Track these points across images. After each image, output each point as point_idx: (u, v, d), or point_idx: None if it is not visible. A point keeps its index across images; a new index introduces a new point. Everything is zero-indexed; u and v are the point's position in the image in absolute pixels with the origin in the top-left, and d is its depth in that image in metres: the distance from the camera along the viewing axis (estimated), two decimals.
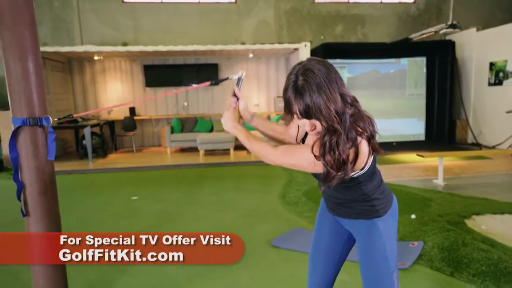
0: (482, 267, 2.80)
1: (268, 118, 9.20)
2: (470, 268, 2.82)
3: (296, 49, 8.36)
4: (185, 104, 9.71)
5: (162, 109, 9.72)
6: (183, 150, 9.14)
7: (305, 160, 1.33)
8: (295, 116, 1.30)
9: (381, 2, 9.29)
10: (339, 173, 1.29)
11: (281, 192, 5.24)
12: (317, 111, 1.22)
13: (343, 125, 1.25)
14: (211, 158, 8.00)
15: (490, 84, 8.15)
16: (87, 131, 7.60)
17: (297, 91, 1.24)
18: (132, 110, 9.36)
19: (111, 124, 9.09)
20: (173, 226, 4.10)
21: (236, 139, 8.38)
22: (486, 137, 8.30)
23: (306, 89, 1.22)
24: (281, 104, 9.38)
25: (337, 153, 1.27)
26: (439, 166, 5.42)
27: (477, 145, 8.30)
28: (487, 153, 6.94)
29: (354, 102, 1.31)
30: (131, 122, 9.05)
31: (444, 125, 8.60)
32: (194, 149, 8.86)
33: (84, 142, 7.86)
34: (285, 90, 1.29)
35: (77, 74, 9.28)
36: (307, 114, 1.25)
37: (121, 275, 2.94)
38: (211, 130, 9.04)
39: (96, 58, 8.83)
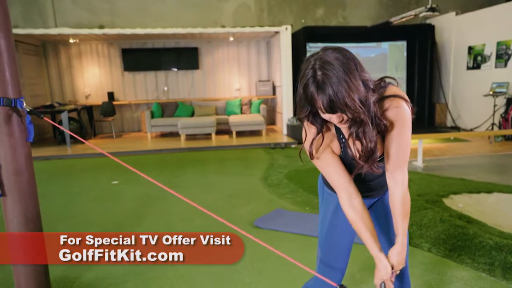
0: (458, 242, 2.87)
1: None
2: (447, 244, 2.88)
3: (277, 33, 8.30)
4: (165, 88, 9.57)
5: (141, 94, 9.55)
6: (164, 135, 9.04)
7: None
8: (319, 111, 1.24)
9: None
10: (367, 162, 1.31)
11: (263, 174, 5.25)
12: (341, 104, 1.17)
13: (369, 114, 1.23)
14: (193, 142, 7.93)
15: (468, 68, 8.28)
16: (64, 117, 7.43)
17: (318, 87, 1.17)
18: (111, 95, 9.17)
19: (89, 109, 8.89)
20: (155, 208, 4.07)
21: (218, 123, 8.34)
22: (464, 121, 8.47)
23: (327, 82, 1.16)
24: (263, 88, 9.39)
25: (364, 142, 1.26)
26: (418, 148, 5.51)
27: (456, 129, 8.46)
28: (465, 135, 7.08)
29: (380, 86, 1.29)
30: (109, 107, 8.87)
31: (424, 108, 8.73)
32: (175, 134, 8.77)
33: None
34: (305, 86, 1.20)
35: (52, 58, 9.01)
36: (332, 108, 1.19)
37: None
38: (192, 114, 8.95)
39: (71, 41, 8.58)
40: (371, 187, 1.54)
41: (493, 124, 7.29)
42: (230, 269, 2.72)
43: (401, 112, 1.31)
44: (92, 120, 8.98)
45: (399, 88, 1.33)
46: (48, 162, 6.66)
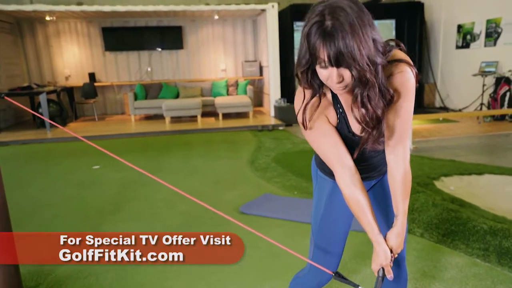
0: (452, 227, 2.79)
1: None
2: (440, 229, 2.79)
3: (263, 11, 8.03)
4: (149, 69, 9.26)
5: (124, 75, 9.23)
6: (148, 117, 8.79)
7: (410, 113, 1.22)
8: (317, 66, 1.07)
9: None
10: (374, 132, 1.16)
11: (250, 158, 5.10)
12: (349, 57, 1.00)
13: (376, 76, 1.07)
14: (178, 125, 7.72)
15: (457, 47, 8.16)
16: (42, 98, 7.12)
17: (326, 34, 1.00)
18: (92, 76, 8.83)
19: (69, 91, 8.56)
20: (137, 194, 3.91)
21: (203, 105, 8.14)
22: (453, 101, 8.40)
23: (338, 30, 0.99)
24: (249, 68, 9.16)
25: (369, 108, 1.10)
26: None
27: (445, 109, 8.40)
28: (454, 115, 7.02)
29: (386, 51, 1.13)
30: (91, 88, 8.56)
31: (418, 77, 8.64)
32: (159, 116, 8.53)
33: (40, 110, 7.37)
34: (310, 32, 1.03)
35: (28, 37, 8.59)
36: (337, 61, 1.02)
37: None
38: (177, 96, 8.70)
39: (48, 18, 8.16)
40: (370, 167, 1.39)
41: (482, 104, 7.23)
42: None
43: (405, 79, 1.16)
44: (72, 102, 8.67)
45: (408, 57, 1.18)
46: (26, 146, 6.40)
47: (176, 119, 8.26)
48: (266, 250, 2.66)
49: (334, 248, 1.52)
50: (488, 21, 7.37)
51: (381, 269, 1.29)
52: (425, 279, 2.26)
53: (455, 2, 8.14)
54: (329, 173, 1.41)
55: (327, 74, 1.07)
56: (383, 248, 1.26)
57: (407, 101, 1.18)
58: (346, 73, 1.05)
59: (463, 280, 2.24)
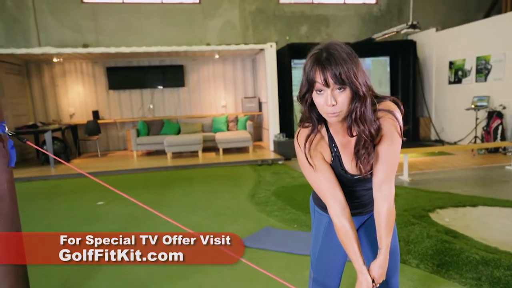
0: (446, 257, 2.88)
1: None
2: (435, 259, 2.89)
3: (262, 50, 8.37)
4: (151, 106, 9.52)
5: (127, 112, 9.48)
6: (150, 153, 8.96)
7: (398, 151, 1.36)
8: (314, 94, 1.24)
9: (344, 3, 9.47)
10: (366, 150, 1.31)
11: (251, 192, 5.22)
12: (345, 76, 1.18)
13: (369, 97, 1.24)
14: (179, 160, 7.87)
15: (450, 82, 8.45)
16: (47, 136, 7.31)
17: (321, 61, 1.19)
18: (96, 114, 9.07)
19: (73, 128, 8.78)
20: (141, 229, 3.99)
21: (204, 141, 8.31)
22: (448, 134, 8.60)
23: (333, 57, 1.18)
24: (249, 104, 9.42)
25: (365, 127, 1.26)
26: (404, 162, 5.56)
27: (440, 142, 8.58)
28: (449, 148, 7.18)
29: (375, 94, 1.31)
30: (94, 126, 8.78)
31: (408, 123, 8.86)
32: (161, 152, 8.70)
33: (45, 147, 7.54)
34: (305, 65, 1.24)
35: (35, 78, 8.89)
36: (333, 77, 1.18)
37: (86, 279, 2.82)
38: (178, 132, 8.91)
39: (55, 60, 8.50)
40: (362, 204, 1.53)
41: (475, 137, 7.42)
42: None
43: (391, 125, 1.31)
44: (76, 139, 8.86)
45: (398, 109, 1.34)
46: (30, 184, 6.52)
47: (177, 155, 8.42)
48: (266, 283, 2.74)
49: (331, 281, 1.63)
50: (478, 58, 7.68)
51: None
52: None
53: (445, 40, 8.50)
54: (326, 209, 1.55)
55: (323, 99, 1.23)
56: (366, 278, 1.38)
57: (393, 145, 1.33)
58: (340, 96, 1.22)
59: None
